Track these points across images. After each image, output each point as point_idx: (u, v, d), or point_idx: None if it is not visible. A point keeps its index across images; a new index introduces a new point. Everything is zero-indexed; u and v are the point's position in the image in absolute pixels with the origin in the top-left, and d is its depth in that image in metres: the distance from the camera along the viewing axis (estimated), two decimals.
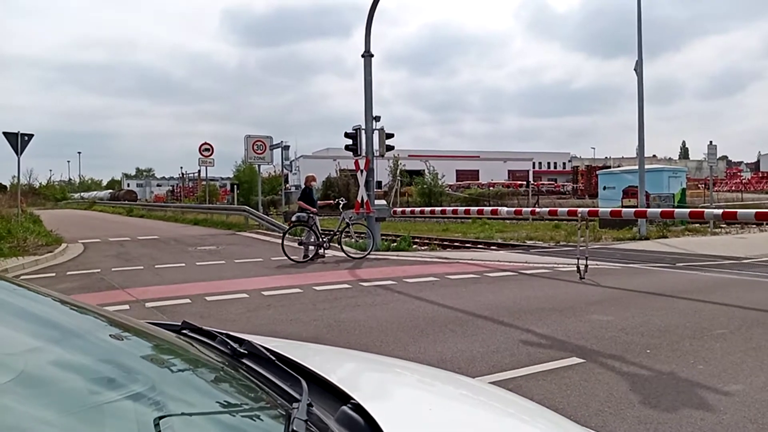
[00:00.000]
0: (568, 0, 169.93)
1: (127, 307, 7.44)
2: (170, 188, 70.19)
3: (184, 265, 11.76)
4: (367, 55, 14.76)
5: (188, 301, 7.76)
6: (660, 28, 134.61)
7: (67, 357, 1.30)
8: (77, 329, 1.46)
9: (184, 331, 1.76)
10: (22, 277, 10.47)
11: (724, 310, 6.80)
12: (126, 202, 53.41)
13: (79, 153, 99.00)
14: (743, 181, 64.20)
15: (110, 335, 1.49)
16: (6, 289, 1.45)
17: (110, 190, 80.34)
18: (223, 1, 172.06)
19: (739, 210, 9.21)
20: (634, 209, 12.23)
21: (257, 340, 1.74)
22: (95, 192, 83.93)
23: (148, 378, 1.28)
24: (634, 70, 17.78)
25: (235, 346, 1.53)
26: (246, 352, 1.50)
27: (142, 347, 1.49)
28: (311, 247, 12.37)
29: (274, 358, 1.44)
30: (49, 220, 26.85)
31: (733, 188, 53.62)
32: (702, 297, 7.56)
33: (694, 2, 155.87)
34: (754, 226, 19.43)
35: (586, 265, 9.38)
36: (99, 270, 11.12)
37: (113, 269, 11.19)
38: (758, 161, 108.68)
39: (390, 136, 15.15)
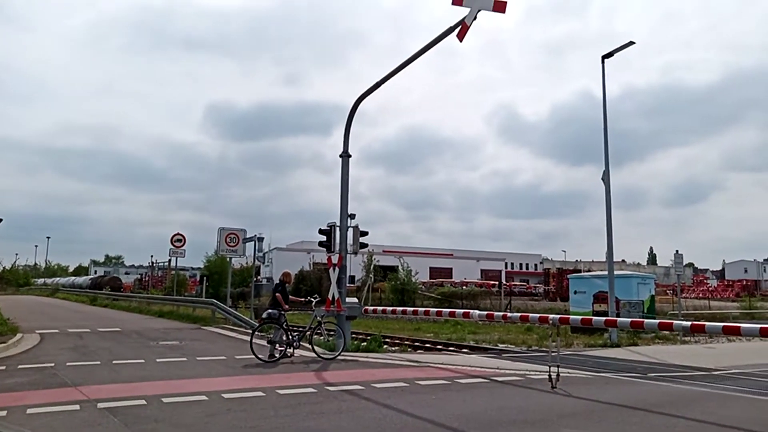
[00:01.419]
0: (536, 109, 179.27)
1: (77, 407, 7.01)
2: (138, 277, 68.70)
3: (143, 361, 11.27)
4: (345, 156, 15.10)
5: (143, 402, 7.35)
6: (626, 139, 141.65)
7: None
8: None
9: None
10: None
11: (697, 427, 6.66)
12: (109, 290, 47.66)
13: (48, 237, 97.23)
14: (710, 288, 65.55)
15: None
16: None
17: (90, 276, 69.73)
18: (208, 96, 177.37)
19: (707, 323, 9.28)
20: (604, 318, 12.26)
21: None
22: (72, 278, 74.93)
23: None
24: (602, 179, 18.48)
25: None
26: None
27: None
28: (280, 346, 12.02)
29: None
30: (9, 306, 25.89)
31: (701, 295, 54.58)
32: (676, 412, 7.42)
33: (657, 117, 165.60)
34: (722, 336, 19.57)
35: (558, 374, 9.22)
36: (53, 364, 10.58)
37: (68, 363, 10.66)
38: (723, 269, 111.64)
39: (364, 233, 15.22)
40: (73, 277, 75.66)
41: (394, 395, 8.19)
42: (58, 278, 79.20)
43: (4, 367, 10.27)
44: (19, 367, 10.34)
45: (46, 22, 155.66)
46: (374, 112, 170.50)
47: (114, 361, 11.07)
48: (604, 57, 18.49)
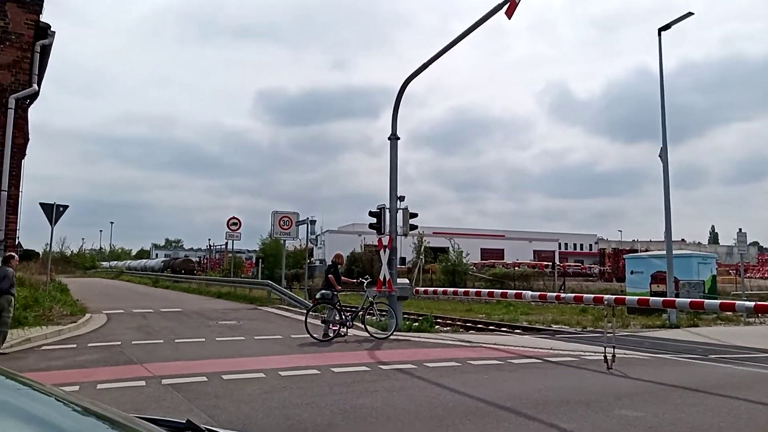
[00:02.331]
0: (589, 87, 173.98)
1: (143, 383, 7.37)
2: (197, 259, 70.74)
3: (204, 340, 11.71)
4: (394, 138, 15.11)
5: (205, 378, 7.66)
6: (683, 115, 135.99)
7: None
8: (72, 430, 1.42)
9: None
10: (43, 348, 10.52)
11: (761, 409, 6.46)
12: (183, 273, 44.95)
13: (112, 223, 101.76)
14: None
15: None
16: (7, 387, 1.45)
17: (163, 259, 66.57)
18: (257, 83, 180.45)
19: None
20: (662, 299, 11.92)
21: None
22: (144, 261, 73.27)
23: None
24: (659, 156, 17.87)
25: None
26: None
27: None
28: (333, 326, 12.26)
29: None
30: (77, 288, 27.23)
31: (766, 275, 52.22)
32: (737, 394, 7.20)
33: (716, 91, 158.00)
34: None
35: (614, 354, 9.07)
36: (120, 343, 11.12)
37: (133, 342, 11.18)
38: None
39: (414, 215, 15.25)
40: (145, 260, 73.99)
41: (446, 374, 8.25)
42: (129, 261, 79.52)
43: (75, 345, 10.85)
44: (89, 345, 10.91)
45: (101, 17, 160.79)
46: (422, 94, 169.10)
47: (176, 340, 11.54)
48: (661, 29, 17.75)
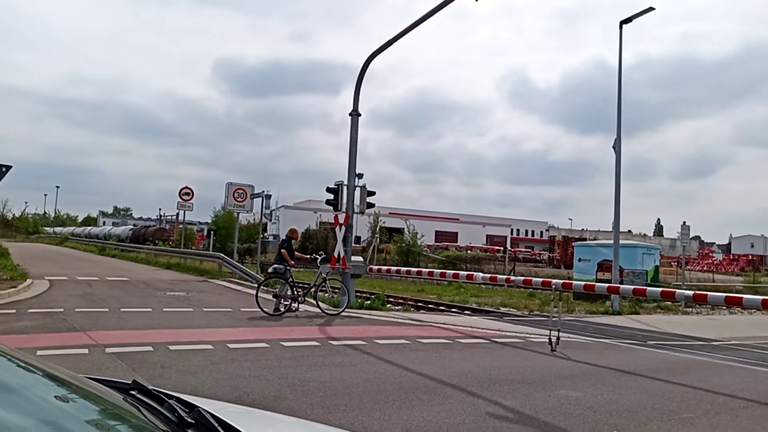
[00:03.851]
0: (548, 76, 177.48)
1: (86, 351, 7.19)
2: (131, 229, 67.50)
3: (150, 310, 11.48)
4: (355, 114, 15.01)
5: (150, 348, 7.52)
6: (636, 109, 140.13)
7: (4, 417, 1.23)
8: (20, 387, 1.39)
9: (133, 392, 1.69)
10: None
11: (692, 393, 6.77)
12: (157, 244, 34.37)
13: (58, 187, 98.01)
14: (715, 261, 65.54)
15: (55, 396, 1.42)
16: None
17: (131, 227, 56.14)
18: (216, 51, 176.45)
19: (709, 293, 9.32)
20: (607, 284, 12.32)
21: (210, 405, 1.67)
22: (108, 227, 61.98)
23: None
24: (613, 147, 18.31)
25: (183, 413, 1.46)
26: (193, 421, 1.43)
27: (86, 410, 1.42)
28: (285, 301, 12.20)
29: (221, 430, 1.37)
30: (18, 253, 26.25)
31: (705, 268, 54.63)
32: (671, 378, 7.53)
33: (670, 88, 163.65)
34: (724, 308, 19.68)
35: (558, 337, 9.35)
36: (62, 310, 10.79)
37: (77, 310, 10.87)
38: (729, 243, 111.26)
39: (371, 193, 15.25)
40: (108, 227, 63.15)
41: (396, 351, 8.34)
42: (90, 228, 69.08)
43: (14, 311, 10.48)
44: (29, 311, 10.55)
45: None
46: (384, 73, 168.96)
47: (122, 309, 11.27)
48: (623, 22, 18.11)
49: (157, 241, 35.26)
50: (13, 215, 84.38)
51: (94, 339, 8.02)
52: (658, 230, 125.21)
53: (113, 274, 20.19)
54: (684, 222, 21.85)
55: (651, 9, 17.24)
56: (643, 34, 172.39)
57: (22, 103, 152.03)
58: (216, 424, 1.39)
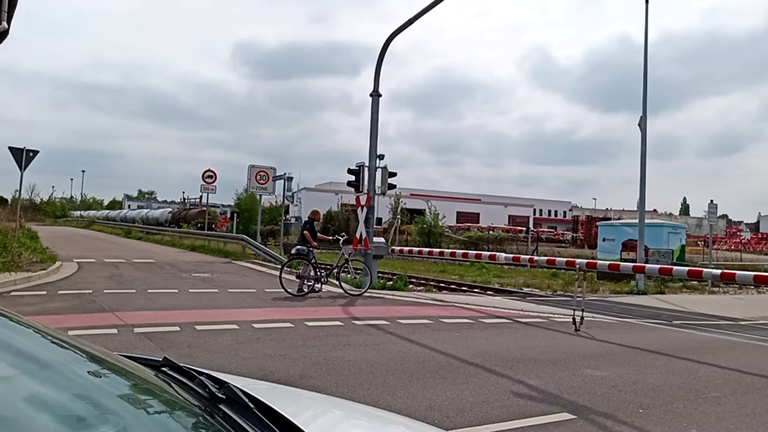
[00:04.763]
0: (570, 54, 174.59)
1: (115, 331, 7.34)
2: (170, 212, 68.52)
3: (177, 291, 11.66)
4: (375, 95, 14.93)
5: (177, 328, 7.65)
6: (662, 86, 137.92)
7: (40, 391, 1.26)
8: (54, 363, 1.42)
9: (164, 369, 1.72)
10: (12, 294, 10.38)
11: (719, 372, 6.69)
12: (199, 227, 33.30)
13: (83, 171, 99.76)
14: (743, 240, 64.32)
15: (88, 371, 1.45)
16: None
17: (169, 209, 51.62)
18: (236, 34, 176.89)
19: (737, 272, 9.15)
20: (632, 264, 12.18)
21: (238, 381, 1.70)
22: (144, 210, 58.12)
23: (121, 419, 1.24)
24: (638, 125, 17.99)
25: (214, 389, 1.48)
26: (224, 396, 1.45)
27: (118, 385, 1.45)
28: (308, 281, 12.30)
29: (252, 406, 1.39)
30: (47, 236, 26.79)
31: (733, 247, 53.67)
32: (698, 357, 7.45)
33: (696, 64, 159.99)
34: (752, 287, 19.36)
35: (582, 317, 9.30)
36: (91, 291, 11.02)
37: (105, 291, 11.09)
38: (758, 222, 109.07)
39: (393, 174, 15.21)
40: (146, 210, 59.03)
41: (419, 331, 8.37)
42: (126, 210, 66.38)
43: (45, 292, 10.73)
44: (59, 292, 10.79)
45: None
46: (404, 53, 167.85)
47: (149, 290, 11.47)
48: None
49: (199, 224, 33.81)
50: (41, 199, 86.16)
51: (122, 319, 8.19)
52: (684, 209, 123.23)
53: (139, 256, 20.53)
54: (711, 200, 21.48)
55: None
56: (668, 9, 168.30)
57: (47, 89, 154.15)
58: (246, 400, 1.41)
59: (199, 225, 33.85)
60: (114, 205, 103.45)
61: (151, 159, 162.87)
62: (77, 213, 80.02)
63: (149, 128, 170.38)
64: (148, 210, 57.48)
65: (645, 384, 5.86)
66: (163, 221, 43.57)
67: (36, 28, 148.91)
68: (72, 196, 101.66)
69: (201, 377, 1.57)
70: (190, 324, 7.97)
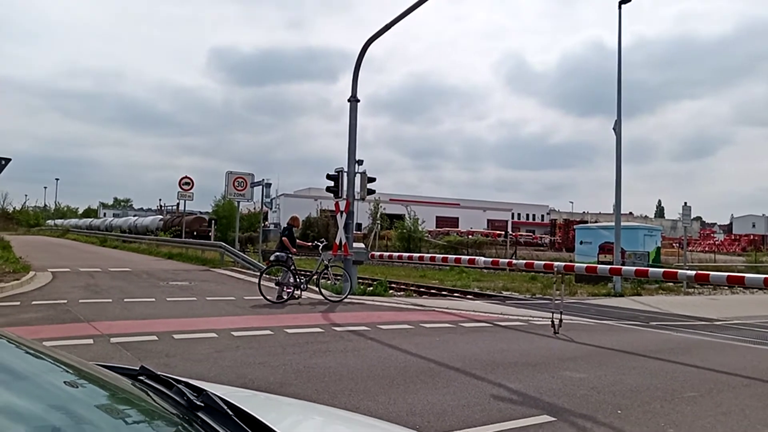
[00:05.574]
0: (545, 59, 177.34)
1: (90, 341, 7.22)
2: (161, 219, 65.45)
3: (154, 300, 11.51)
4: (354, 101, 14.95)
5: (155, 338, 7.55)
6: (635, 91, 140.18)
7: (14, 403, 1.24)
8: (29, 373, 1.40)
9: (142, 378, 1.69)
10: None
11: (695, 372, 6.80)
12: (195, 236, 32.12)
13: (57, 179, 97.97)
14: (716, 242, 65.57)
15: (64, 382, 1.43)
16: None
17: (159, 216, 48.76)
18: (211, 40, 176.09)
19: (711, 272, 9.33)
20: (609, 266, 12.34)
21: (217, 389, 1.68)
22: (131, 218, 55.39)
23: (98, 430, 1.22)
24: (613, 129, 18.26)
25: (193, 397, 1.47)
26: (203, 404, 1.43)
27: (95, 395, 1.43)
28: (287, 288, 12.23)
29: (231, 413, 1.38)
30: (20, 246, 26.28)
31: (707, 249, 54.66)
32: (674, 358, 7.56)
33: (668, 69, 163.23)
34: (726, 288, 19.72)
35: (561, 320, 9.38)
36: (66, 301, 10.83)
37: (80, 301, 10.90)
38: (731, 223, 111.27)
39: (372, 180, 15.21)
40: (134, 217, 56.30)
41: (399, 336, 8.37)
42: (111, 219, 62.01)
43: (18, 303, 10.51)
44: (33, 303, 10.58)
45: None
46: (382, 59, 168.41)
47: (125, 299, 11.31)
48: (621, 2, 17.99)
49: (194, 233, 31.93)
50: (14, 208, 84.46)
51: (98, 329, 8.06)
52: (659, 212, 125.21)
53: (115, 265, 20.23)
54: (685, 203, 21.83)
55: None
56: (640, 15, 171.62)
57: (18, 96, 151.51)
58: (225, 407, 1.40)
59: (195, 234, 32.94)
60: (89, 213, 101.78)
61: (126, 166, 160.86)
62: (51, 222, 78.61)
63: (125, 135, 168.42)
64: (136, 218, 54.76)
65: (623, 385, 5.93)
66: (153, 229, 40.92)
67: (5, 33, 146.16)
68: (46, 205, 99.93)
69: (179, 385, 1.55)
70: (168, 333, 7.87)
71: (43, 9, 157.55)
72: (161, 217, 47.90)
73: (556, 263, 10.55)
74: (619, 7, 18.06)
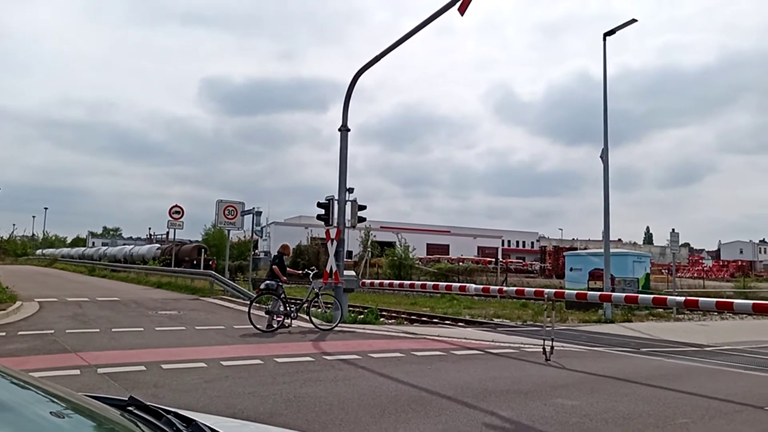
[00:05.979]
0: (532, 89, 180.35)
1: (77, 372, 7.11)
2: (159, 248, 62.50)
3: (142, 329, 11.38)
4: (344, 130, 15.06)
5: (143, 368, 7.45)
6: (621, 120, 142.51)
7: None
8: (14, 404, 1.38)
9: (130, 408, 1.68)
10: None
11: (687, 398, 6.79)
12: (194, 265, 31.16)
13: (46, 209, 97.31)
14: (704, 268, 65.88)
15: (50, 412, 1.41)
16: None
17: (156, 245, 46.54)
18: (203, 71, 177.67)
19: (701, 298, 9.36)
20: (599, 293, 12.37)
21: (207, 419, 1.67)
22: (128, 247, 52.06)
23: None
24: (600, 157, 18.47)
25: (182, 427, 1.46)
26: None
27: (83, 426, 1.42)
28: (277, 317, 12.14)
29: None
30: (7, 276, 25.95)
31: (695, 275, 54.86)
32: (666, 384, 7.55)
33: (653, 98, 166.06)
34: (716, 313, 19.77)
35: (552, 347, 9.36)
36: (53, 331, 10.68)
37: (68, 331, 10.76)
38: (719, 249, 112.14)
39: (362, 208, 15.24)
40: (130, 246, 53.83)
41: (390, 365, 8.31)
42: (106, 248, 59.21)
43: (4, 334, 10.36)
44: (19, 333, 10.43)
45: None
46: (372, 89, 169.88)
47: (113, 329, 11.17)
48: (606, 34, 18.34)
49: (194, 261, 30.59)
50: (1, 238, 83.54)
51: (85, 360, 7.94)
52: (648, 238, 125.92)
53: (104, 294, 20.02)
54: (673, 229, 22.01)
55: (634, 20, 17.47)
56: (624, 46, 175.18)
57: (11, 126, 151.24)
58: None
59: (195, 263, 32.18)
60: (77, 242, 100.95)
61: (116, 195, 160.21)
62: (39, 251, 77.77)
63: (116, 165, 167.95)
64: (132, 247, 52.01)
65: (615, 412, 5.91)
66: (150, 258, 38.97)
67: (5, 66, 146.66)
68: (34, 234, 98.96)
69: (168, 416, 1.54)
70: (156, 363, 7.77)
71: (36, 40, 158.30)
72: (158, 245, 45.36)
73: (546, 290, 10.55)
74: (604, 39, 18.41)
